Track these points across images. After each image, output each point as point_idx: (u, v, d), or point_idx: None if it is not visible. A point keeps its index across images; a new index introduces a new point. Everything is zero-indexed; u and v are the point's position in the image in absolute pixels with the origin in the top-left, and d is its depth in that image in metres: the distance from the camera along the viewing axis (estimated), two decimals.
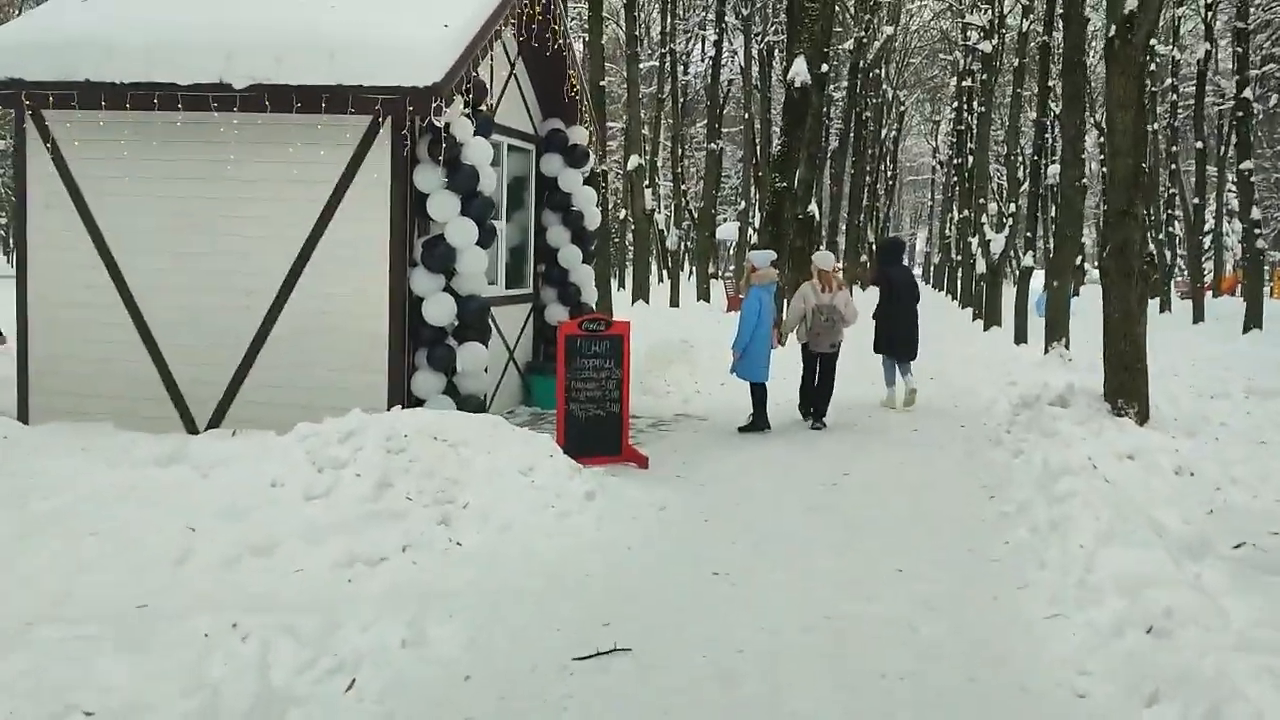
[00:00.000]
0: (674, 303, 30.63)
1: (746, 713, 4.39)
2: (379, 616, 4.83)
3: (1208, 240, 36.46)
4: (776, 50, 36.92)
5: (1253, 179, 25.70)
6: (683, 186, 44.32)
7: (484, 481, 6.79)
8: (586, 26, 23.40)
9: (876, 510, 7.79)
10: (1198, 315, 29.61)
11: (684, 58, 42.21)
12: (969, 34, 30.51)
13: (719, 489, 8.32)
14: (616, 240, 44.97)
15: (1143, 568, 5.58)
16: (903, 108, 52.87)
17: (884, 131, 50.40)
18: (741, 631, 5.24)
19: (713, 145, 34.55)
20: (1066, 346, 16.19)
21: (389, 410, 7.70)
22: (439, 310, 9.03)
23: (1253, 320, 24.82)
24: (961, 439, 10.69)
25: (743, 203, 40.23)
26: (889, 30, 39.26)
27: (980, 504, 8.03)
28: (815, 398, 11.50)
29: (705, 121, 38.80)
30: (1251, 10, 28.19)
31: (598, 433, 9.17)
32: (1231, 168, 36.82)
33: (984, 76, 27.78)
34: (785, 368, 12.19)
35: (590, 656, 4.85)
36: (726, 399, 12.36)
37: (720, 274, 46.41)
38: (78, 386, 9.38)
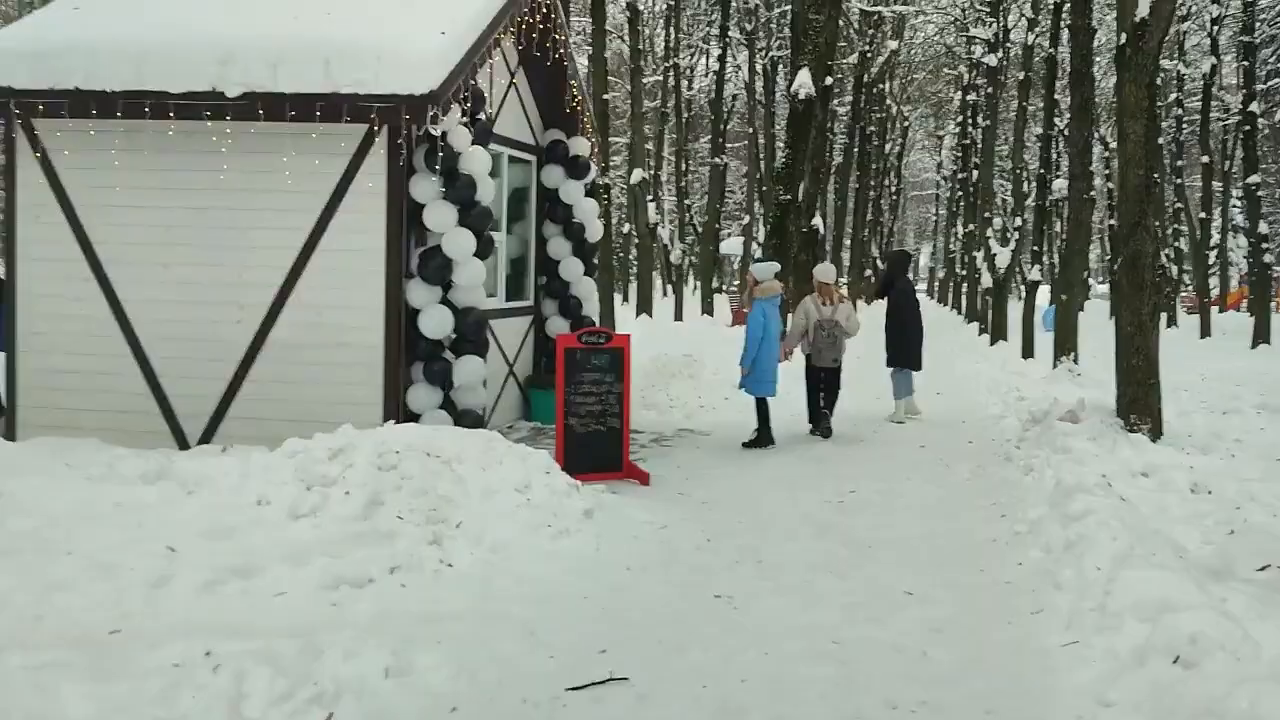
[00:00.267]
0: (678, 317, 30.49)
1: None
2: (363, 643, 4.57)
3: (1212, 255, 36.25)
4: (781, 65, 36.78)
5: (1260, 193, 25.47)
6: (687, 201, 44.16)
7: (478, 500, 6.57)
8: (590, 41, 23.25)
9: (884, 529, 7.55)
10: (1204, 330, 29.39)
11: (688, 72, 42.10)
12: (974, 47, 30.36)
13: (722, 507, 8.09)
14: (620, 254, 44.78)
15: (1164, 591, 5.32)
16: (906, 123, 52.73)
17: (888, 146, 50.25)
18: (744, 659, 5.00)
19: (717, 160, 34.42)
20: (1075, 361, 15.97)
21: (384, 425, 7.49)
22: (436, 323, 8.82)
23: (1261, 335, 24.63)
24: (970, 455, 10.46)
25: (746, 217, 40.06)
26: (893, 45, 39.14)
27: (992, 523, 7.79)
28: (821, 410, 11.45)
29: (709, 136, 38.61)
30: (1257, 25, 28.05)
31: (598, 448, 8.94)
32: (1235, 182, 36.71)
33: (989, 90, 27.61)
34: (791, 382, 11.98)
35: (584, 687, 4.60)
36: (730, 414, 12.16)
37: (725, 288, 46.22)
38: (67, 401, 9.17)
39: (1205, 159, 31.05)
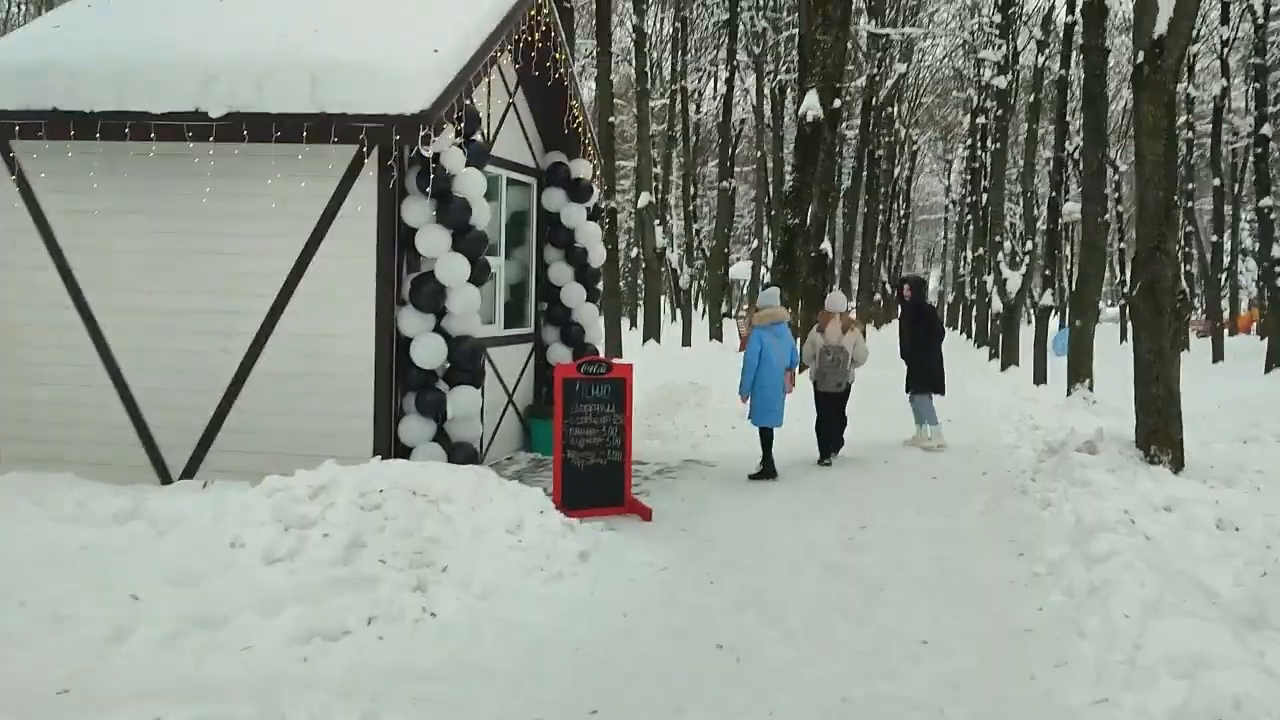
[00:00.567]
0: (686, 342, 30.17)
1: None
2: (330, 707, 4.20)
3: (1223, 278, 35.90)
4: (789, 89, 36.54)
5: (1272, 216, 25.11)
6: (695, 225, 43.91)
7: (466, 541, 6.20)
8: (596, 64, 23.01)
9: (897, 570, 7.15)
10: (1217, 354, 28.97)
11: (696, 96, 41.91)
12: (983, 70, 30.10)
13: (727, 545, 7.70)
14: (628, 279, 44.51)
15: (1199, 643, 4.95)
16: (915, 146, 52.50)
17: (896, 170, 50.01)
18: (747, 719, 4.62)
19: (725, 184, 34.13)
20: (1090, 388, 15.57)
21: (374, 459, 7.13)
22: (429, 352, 8.46)
23: (1275, 359, 24.22)
24: (984, 487, 10.06)
25: (755, 241, 39.77)
26: (901, 68, 38.94)
27: (1009, 562, 7.39)
28: (827, 436, 11.27)
29: (717, 160, 38.37)
30: (1268, 47, 27.77)
31: (598, 483, 8.58)
32: (1245, 205, 36.33)
33: (999, 112, 27.32)
34: (802, 410, 11.64)
35: None
36: (737, 443, 11.79)
37: (734, 313, 45.92)
38: (45, 433, 8.83)
39: (1216, 181, 30.71)
